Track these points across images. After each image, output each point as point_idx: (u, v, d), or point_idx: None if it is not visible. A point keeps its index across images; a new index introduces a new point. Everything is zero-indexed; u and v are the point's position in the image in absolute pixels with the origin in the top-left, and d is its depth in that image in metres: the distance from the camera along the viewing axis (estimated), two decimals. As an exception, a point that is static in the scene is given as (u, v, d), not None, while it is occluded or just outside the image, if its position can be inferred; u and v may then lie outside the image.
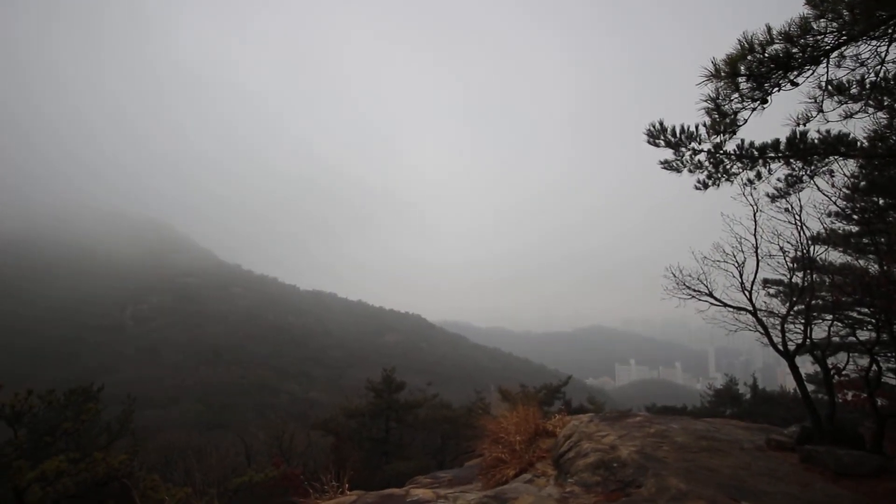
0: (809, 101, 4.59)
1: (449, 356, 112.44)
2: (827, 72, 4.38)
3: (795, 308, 6.87)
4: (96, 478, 7.78)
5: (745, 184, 5.92)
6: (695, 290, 6.66)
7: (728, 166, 5.69)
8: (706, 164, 5.69)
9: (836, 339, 8.17)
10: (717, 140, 5.32)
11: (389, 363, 23.23)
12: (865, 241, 8.58)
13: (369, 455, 17.75)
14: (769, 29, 4.11)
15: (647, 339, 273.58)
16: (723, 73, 4.37)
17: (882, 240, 7.75)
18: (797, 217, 6.25)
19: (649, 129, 5.53)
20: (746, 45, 4.19)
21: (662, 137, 5.49)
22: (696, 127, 5.30)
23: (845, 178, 6.74)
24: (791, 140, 5.25)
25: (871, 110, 4.84)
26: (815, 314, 7.78)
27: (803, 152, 5.36)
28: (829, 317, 7.96)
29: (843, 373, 6.69)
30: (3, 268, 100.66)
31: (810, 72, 4.36)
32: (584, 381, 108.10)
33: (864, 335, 7.90)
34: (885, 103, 4.88)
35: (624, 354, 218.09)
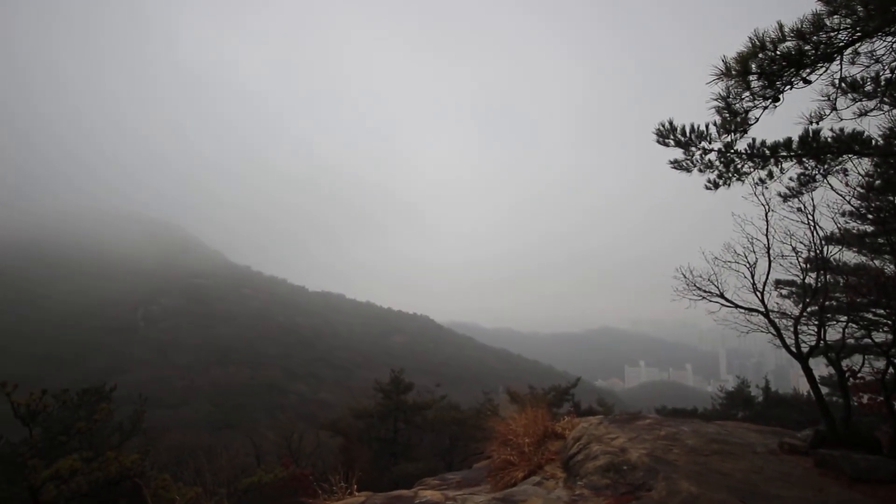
0: (822, 98, 4.51)
1: (457, 357, 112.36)
2: (840, 69, 4.31)
3: (809, 309, 6.76)
4: (109, 477, 7.87)
5: (757, 183, 5.85)
6: (705, 292, 6.59)
7: (739, 165, 5.62)
8: (717, 163, 5.63)
9: (851, 340, 8.04)
10: (728, 139, 5.26)
11: (397, 364, 23.28)
12: (881, 240, 8.41)
13: (378, 456, 17.78)
14: (781, 26, 4.05)
15: (657, 340, 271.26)
16: (733, 72, 4.32)
17: (898, 240, 7.60)
18: (810, 217, 6.16)
19: (658, 129, 5.48)
20: (758, 43, 4.14)
21: (672, 137, 5.44)
22: (707, 126, 5.24)
23: (860, 177, 6.63)
24: (804, 138, 5.17)
25: (886, 108, 4.75)
26: (829, 315, 7.66)
27: (816, 151, 5.27)
28: (844, 318, 7.81)
29: (859, 375, 6.59)
30: (16, 270, 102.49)
31: (823, 69, 4.29)
32: (593, 382, 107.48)
33: (879, 337, 7.75)
34: (901, 100, 4.78)
35: (633, 356, 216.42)
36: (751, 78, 4.39)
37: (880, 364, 6.45)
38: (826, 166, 5.76)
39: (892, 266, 7.41)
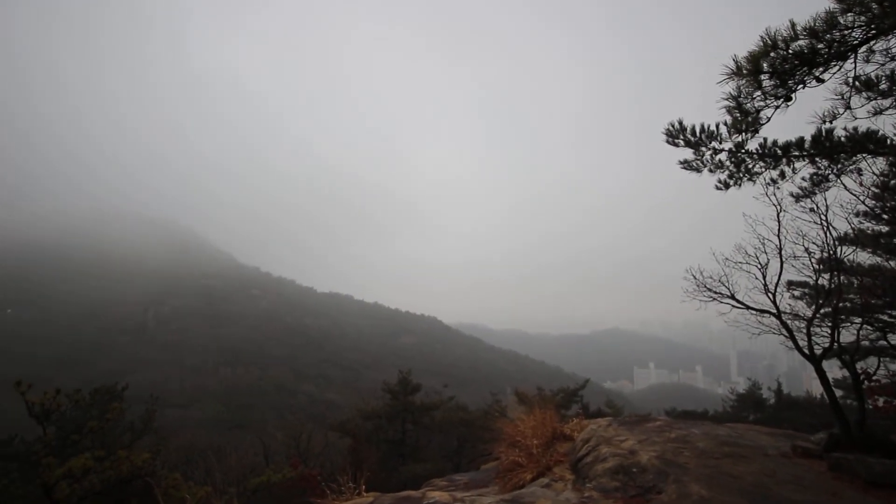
0: (836, 97, 4.45)
1: (464, 358, 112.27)
2: (855, 67, 4.25)
3: (822, 311, 6.67)
4: (121, 475, 7.96)
5: (768, 183, 5.80)
6: (716, 293, 6.53)
7: (750, 166, 5.57)
8: (727, 163, 5.58)
9: (866, 342, 7.91)
10: (739, 139, 5.21)
11: (405, 365, 23.32)
12: (896, 241, 8.29)
13: (385, 457, 17.81)
14: (793, 25, 4.00)
15: (667, 341, 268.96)
16: (745, 71, 4.28)
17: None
18: (823, 217, 6.07)
19: (668, 129, 5.45)
20: (769, 42, 4.09)
21: (682, 137, 5.40)
22: (717, 126, 5.20)
23: (874, 177, 6.53)
24: (816, 138, 5.10)
25: (901, 106, 4.67)
26: (843, 317, 7.55)
27: (829, 150, 5.20)
28: (858, 320, 7.69)
29: (874, 378, 6.48)
30: (31, 271, 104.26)
31: (837, 68, 4.23)
32: (602, 384, 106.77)
33: (895, 339, 7.63)
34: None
35: (642, 357, 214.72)
36: (762, 77, 4.34)
37: (896, 367, 6.35)
38: (840, 166, 5.68)
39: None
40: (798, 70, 4.24)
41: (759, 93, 4.52)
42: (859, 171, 5.96)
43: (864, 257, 8.39)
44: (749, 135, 5.10)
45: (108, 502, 8.25)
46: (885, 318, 8.50)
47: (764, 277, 6.31)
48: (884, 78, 4.37)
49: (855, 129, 5.11)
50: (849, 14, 3.86)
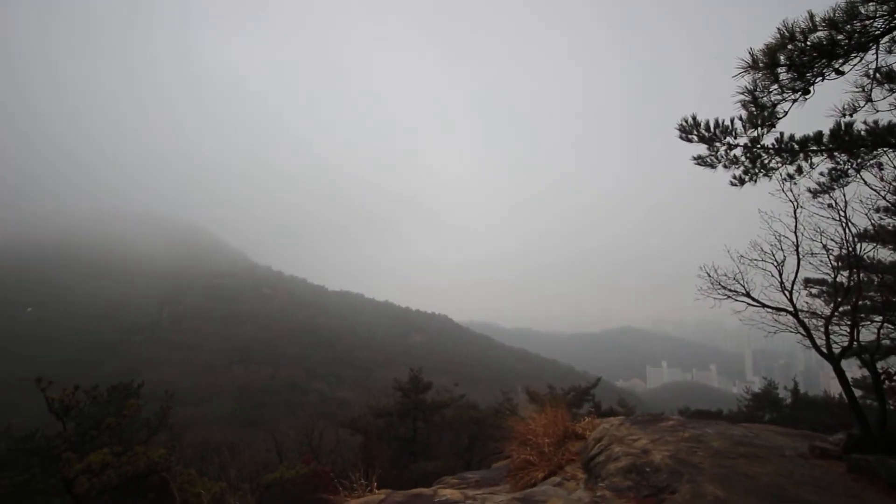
0: (857, 90, 4.34)
1: (475, 357, 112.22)
2: (876, 59, 4.14)
3: (841, 309, 6.54)
4: (138, 471, 8.11)
5: (785, 179, 5.68)
6: (731, 290, 6.42)
7: (766, 161, 5.46)
8: (742, 159, 5.48)
9: (887, 341, 7.73)
10: (755, 134, 5.11)
11: (416, 363, 23.38)
12: (918, 237, 8.08)
13: (397, 454, 17.89)
14: (811, 16, 3.91)
15: (679, 340, 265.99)
16: (761, 64, 4.19)
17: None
18: (842, 213, 5.93)
19: (681, 125, 5.37)
20: (787, 34, 4.00)
21: (696, 132, 5.32)
22: (732, 121, 5.11)
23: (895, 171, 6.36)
24: (835, 132, 4.98)
25: (925, 98, 4.54)
26: (862, 315, 7.39)
27: (849, 144, 5.08)
28: (879, 318, 7.52)
29: (895, 378, 6.32)
30: (44, 272, 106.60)
31: (857, 59, 4.12)
32: (614, 383, 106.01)
33: (917, 338, 7.45)
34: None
35: (655, 356, 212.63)
36: (779, 70, 4.25)
37: (919, 366, 6.19)
38: (859, 160, 5.54)
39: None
40: (816, 62, 4.14)
41: (775, 86, 4.42)
42: (880, 166, 5.81)
43: (885, 254, 8.19)
44: (765, 129, 5.00)
45: (126, 497, 8.41)
46: (907, 316, 8.30)
47: (780, 275, 6.20)
48: (906, 69, 4.25)
49: (876, 122, 4.98)
50: (870, 3, 3.76)
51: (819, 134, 5.08)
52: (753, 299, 6.33)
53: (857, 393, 9.11)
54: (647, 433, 6.01)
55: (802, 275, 6.52)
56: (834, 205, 5.97)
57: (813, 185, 6.07)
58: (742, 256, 6.42)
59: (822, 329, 5.95)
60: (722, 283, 6.49)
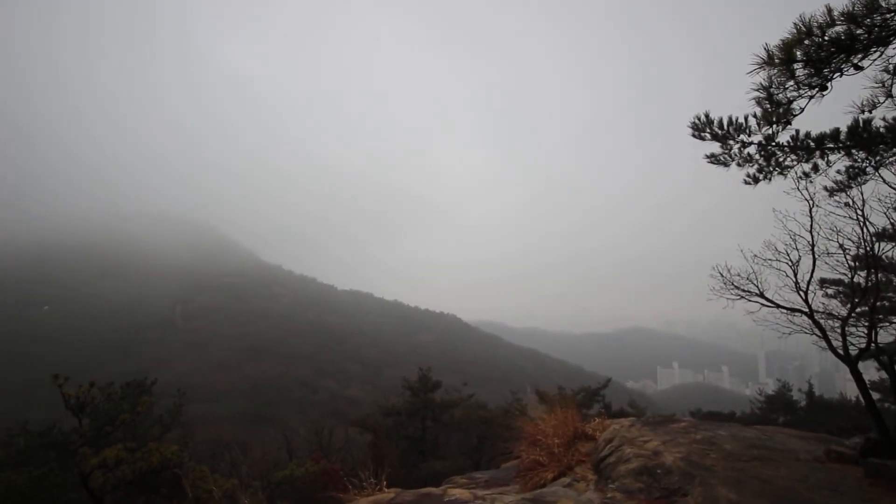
0: (876, 85, 4.23)
1: (484, 356, 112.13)
2: (897, 54, 4.04)
3: (858, 310, 6.40)
4: (151, 466, 8.23)
5: (800, 177, 5.57)
6: (744, 291, 6.32)
7: (781, 159, 5.36)
8: (757, 156, 5.39)
9: (906, 343, 7.55)
10: (770, 131, 5.02)
11: (425, 362, 23.41)
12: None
13: (406, 453, 17.93)
14: (829, 10, 3.82)
15: (691, 340, 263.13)
16: (776, 60, 4.11)
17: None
18: (859, 212, 5.80)
19: (694, 122, 5.29)
20: (804, 29, 3.92)
21: (709, 130, 5.24)
22: (745, 118, 5.02)
23: (916, 170, 6.21)
24: (853, 129, 4.87)
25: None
26: (880, 316, 7.23)
27: (867, 142, 4.96)
28: (897, 319, 7.37)
29: (915, 380, 6.17)
30: (63, 271, 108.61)
31: (877, 54, 4.01)
32: (624, 383, 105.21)
33: (938, 340, 7.26)
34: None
35: (666, 357, 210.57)
36: (795, 66, 4.16)
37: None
38: (878, 158, 5.41)
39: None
40: (834, 58, 4.05)
41: (791, 82, 4.34)
42: (900, 164, 5.67)
43: (904, 254, 8.01)
44: (780, 127, 4.90)
45: (140, 492, 8.55)
46: (927, 317, 8.11)
47: (795, 275, 6.09)
48: (928, 64, 4.14)
49: (895, 118, 4.87)
50: (891, -4, 3.67)
51: (836, 131, 4.97)
52: (767, 300, 6.22)
53: (875, 396, 8.92)
54: (659, 435, 5.94)
55: (818, 275, 6.41)
56: (851, 203, 5.85)
57: (829, 184, 5.94)
58: (756, 256, 6.32)
59: (839, 330, 5.83)
60: (735, 284, 6.39)
